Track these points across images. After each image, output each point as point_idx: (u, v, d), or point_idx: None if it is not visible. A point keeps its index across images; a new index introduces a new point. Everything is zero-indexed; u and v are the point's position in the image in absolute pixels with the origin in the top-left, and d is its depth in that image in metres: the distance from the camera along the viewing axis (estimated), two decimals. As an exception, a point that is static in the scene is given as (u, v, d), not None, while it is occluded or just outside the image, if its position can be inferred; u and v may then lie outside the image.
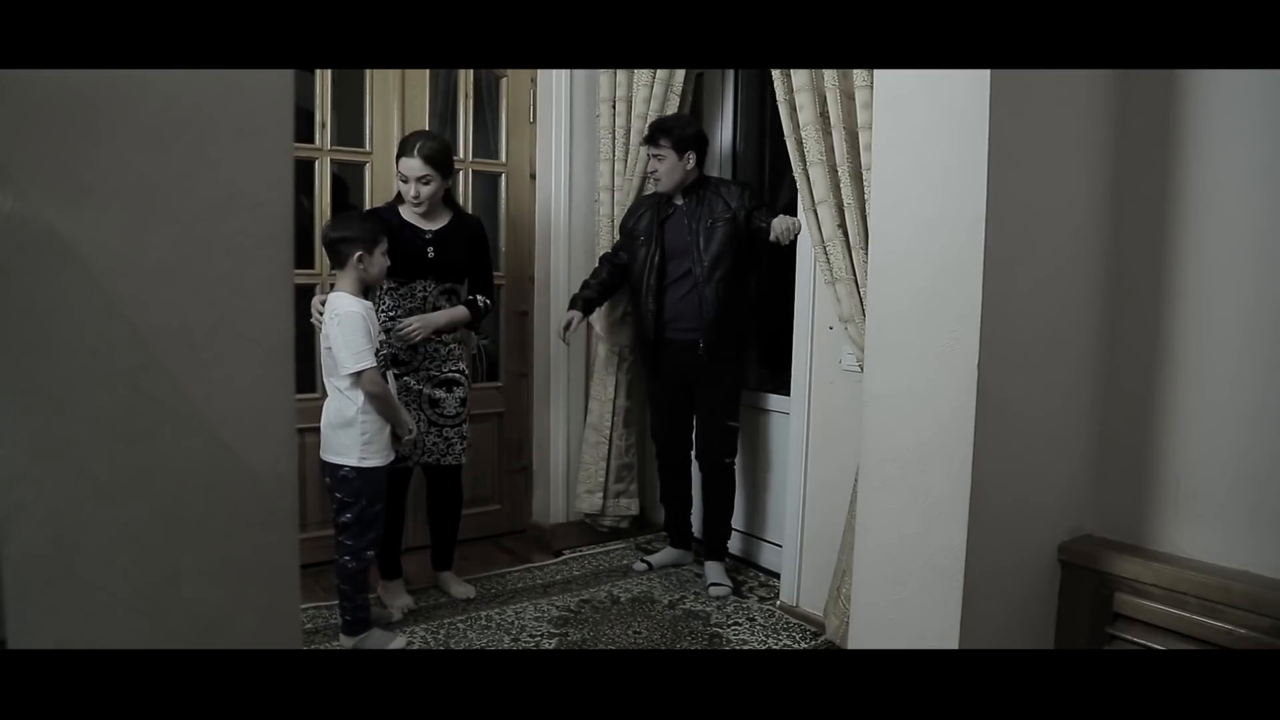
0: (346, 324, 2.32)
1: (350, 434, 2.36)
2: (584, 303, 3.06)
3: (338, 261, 2.40)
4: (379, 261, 2.41)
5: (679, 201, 2.91)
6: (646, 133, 2.90)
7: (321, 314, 2.39)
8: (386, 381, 2.42)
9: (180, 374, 1.04)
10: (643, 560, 3.16)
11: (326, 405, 2.41)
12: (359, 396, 2.35)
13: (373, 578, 2.86)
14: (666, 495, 3.17)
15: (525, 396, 3.49)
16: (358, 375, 2.32)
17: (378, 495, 2.42)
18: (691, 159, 2.85)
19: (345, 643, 2.47)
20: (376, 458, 2.39)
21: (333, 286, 2.49)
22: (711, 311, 2.83)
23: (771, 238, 2.70)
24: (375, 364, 2.34)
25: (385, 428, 2.41)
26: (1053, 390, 1.81)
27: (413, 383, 2.67)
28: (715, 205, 2.86)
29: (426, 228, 2.69)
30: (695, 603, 2.85)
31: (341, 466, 2.38)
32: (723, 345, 2.86)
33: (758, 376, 3.32)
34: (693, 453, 3.08)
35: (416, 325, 2.59)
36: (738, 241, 2.83)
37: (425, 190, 2.61)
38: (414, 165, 2.59)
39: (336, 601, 2.49)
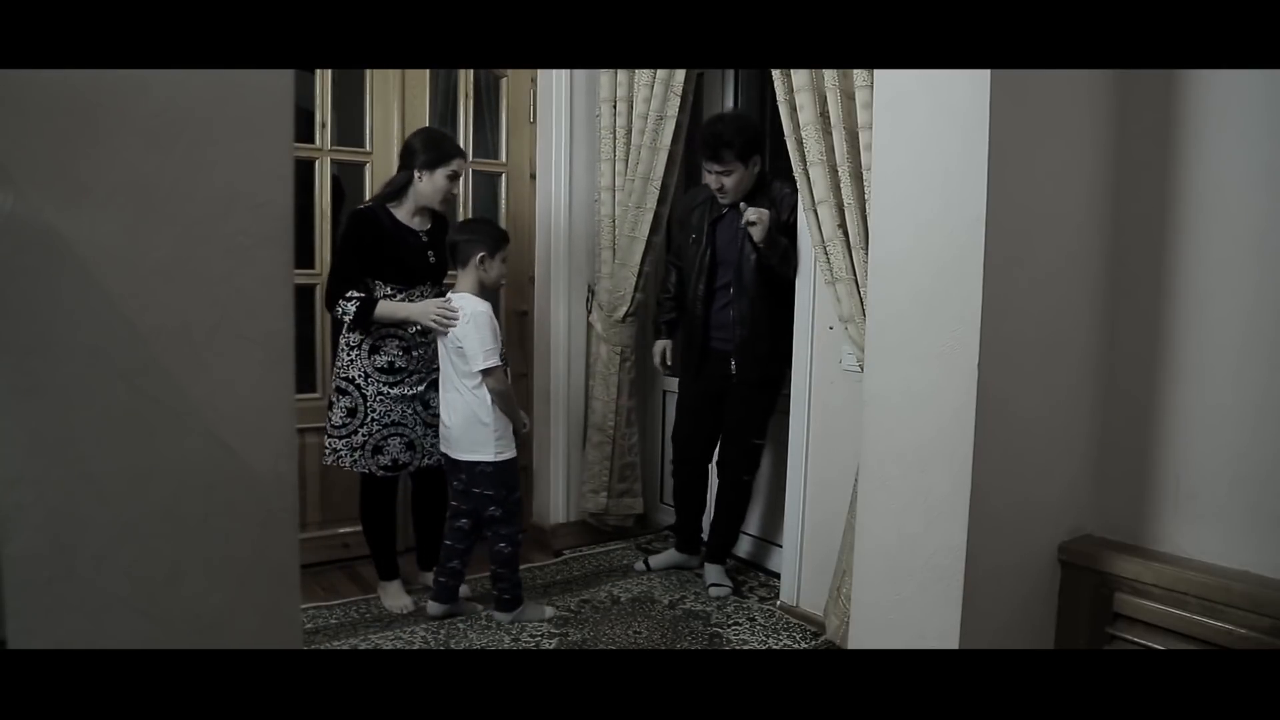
0: (479, 322, 2.47)
1: (484, 432, 2.50)
2: (667, 328, 3.09)
3: (460, 261, 2.54)
4: (498, 267, 2.56)
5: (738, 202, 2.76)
6: (707, 147, 2.68)
7: (448, 317, 2.47)
8: (509, 379, 2.58)
9: (180, 374, 1.04)
10: (644, 561, 3.14)
11: (450, 405, 2.55)
12: (487, 395, 2.48)
13: (371, 578, 2.88)
14: (680, 498, 3.11)
15: (525, 397, 3.49)
16: (485, 373, 2.45)
17: (516, 484, 2.61)
18: (757, 163, 2.73)
19: (501, 619, 2.64)
20: (508, 451, 2.55)
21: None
22: (745, 330, 2.77)
23: (744, 221, 2.64)
24: (501, 363, 2.50)
25: (510, 423, 2.55)
26: (1053, 390, 1.81)
27: (406, 389, 2.65)
28: (772, 216, 2.69)
29: (420, 229, 2.68)
30: (695, 603, 2.85)
31: (478, 463, 2.52)
32: (753, 367, 2.79)
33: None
34: (711, 463, 3.04)
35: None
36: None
37: (458, 191, 2.72)
38: (464, 164, 2.68)
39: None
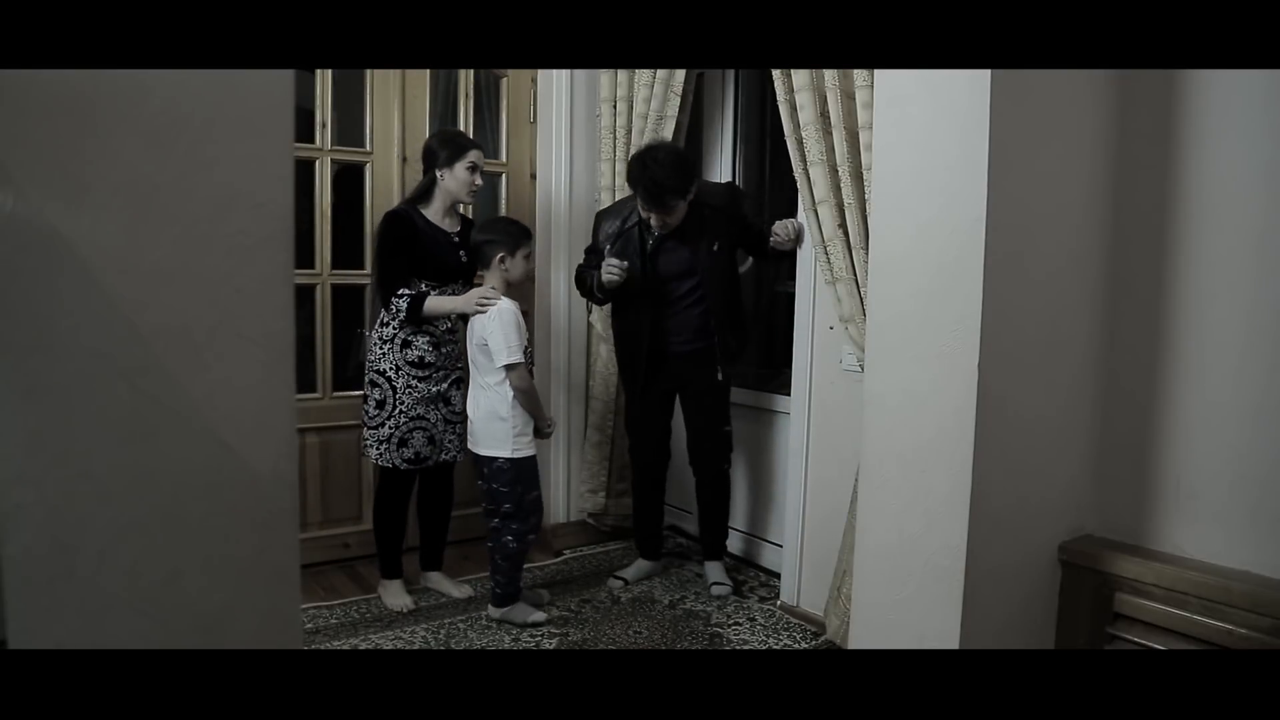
0: (504, 319, 2.50)
1: (502, 428, 2.54)
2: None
3: (483, 263, 2.59)
4: (521, 264, 2.60)
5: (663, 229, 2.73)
6: (650, 199, 2.60)
7: (490, 303, 2.52)
8: (533, 379, 2.60)
9: (180, 374, 1.04)
10: (616, 577, 3.04)
11: (475, 401, 2.60)
12: (509, 392, 2.52)
13: (371, 578, 2.88)
14: (644, 508, 3.06)
15: (525, 396, 3.49)
16: (507, 369, 2.49)
17: (533, 482, 2.63)
18: (692, 192, 2.67)
19: (492, 613, 2.65)
20: (527, 448, 2.58)
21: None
22: (724, 319, 2.79)
23: (773, 242, 2.70)
24: (525, 360, 2.52)
25: (531, 421, 2.58)
26: (1053, 390, 1.81)
27: (432, 385, 2.69)
28: (714, 224, 2.73)
29: (450, 230, 2.73)
30: (695, 603, 2.85)
31: (495, 458, 2.56)
32: (738, 347, 2.87)
33: (758, 376, 3.32)
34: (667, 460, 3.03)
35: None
36: (734, 251, 2.84)
37: (481, 182, 2.73)
38: (482, 156, 2.70)
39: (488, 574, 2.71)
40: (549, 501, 3.45)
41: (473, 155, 2.67)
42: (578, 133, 3.32)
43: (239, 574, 1.11)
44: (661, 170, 2.58)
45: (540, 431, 2.65)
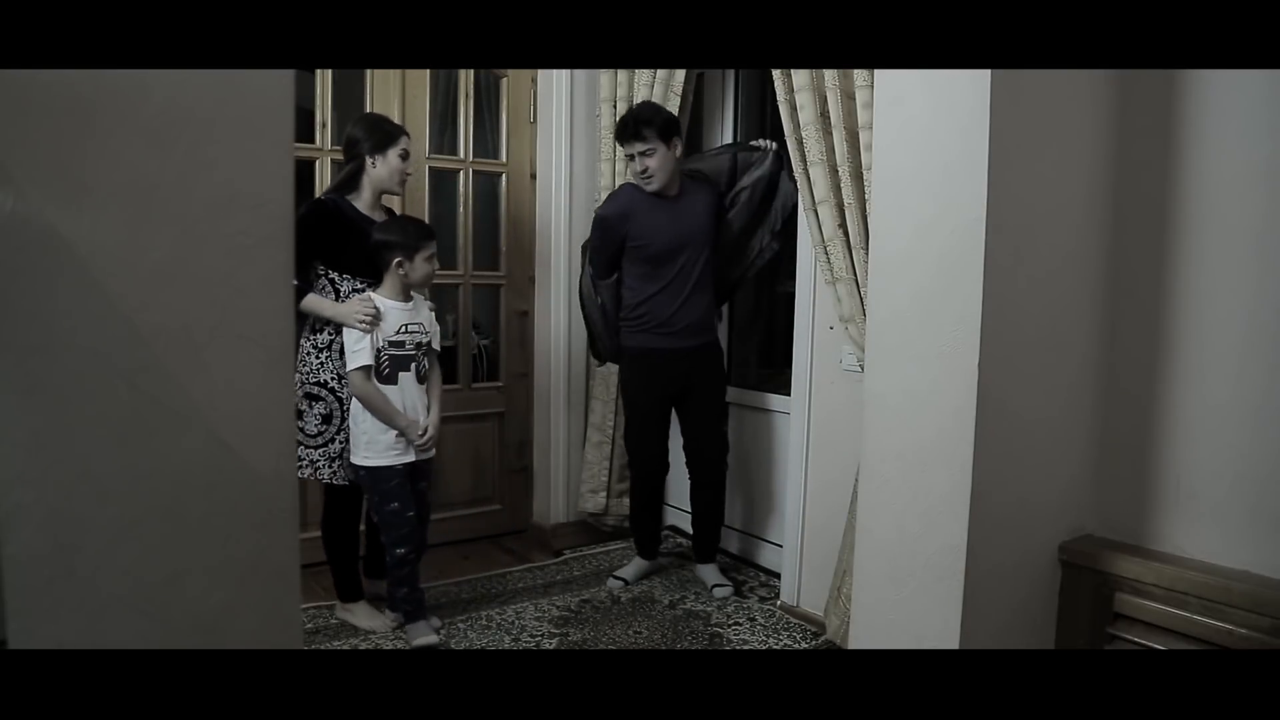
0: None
1: (355, 432, 2.45)
2: (613, 354, 3.00)
3: (381, 265, 2.43)
4: (421, 267, 2.44)
5: (671, 192, 2.75)
6: (624, 129, 2.69)
7: (372, 316, 2.37)
8: (374, 384, 2.41)
9: (180, 374, 1.04)
10: (616, 577, 3.02)
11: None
12: None
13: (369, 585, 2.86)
14: (645, 508, 3.03)
15: (525, 396, 3.50)
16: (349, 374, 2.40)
17: (389, 494, 2.45)
18: (679, 145, 2.72)
19: (391, 616, 2.60)
20: (379, 458, 2.43)
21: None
22: (715, 315, 2.82)
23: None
24: (365, 365, 2.37)
25: (389, 429, 2.43)
26: (1053, 390, 1.81)
27: None
28: (703, 192, 2.78)
29: (381, 221, 2.56)
30: (695, 603, 2.85)
31: (354, 465, 2.47)
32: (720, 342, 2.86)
33: (757, 376, 3.32)
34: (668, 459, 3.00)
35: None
36: (729, 226, 2.83)
37: (411, 171, 2.61)
38: (410, 142, 2.57)
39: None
40: (549, 502, 3.45)
41: (404, 142, 2.53)
42: (578, 133, 3.32)
43: (239, 574, 1.11)
44: (637, 108, 2.77)
45: (408, 440, 2.45)
